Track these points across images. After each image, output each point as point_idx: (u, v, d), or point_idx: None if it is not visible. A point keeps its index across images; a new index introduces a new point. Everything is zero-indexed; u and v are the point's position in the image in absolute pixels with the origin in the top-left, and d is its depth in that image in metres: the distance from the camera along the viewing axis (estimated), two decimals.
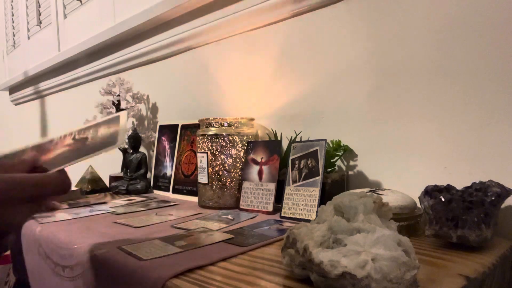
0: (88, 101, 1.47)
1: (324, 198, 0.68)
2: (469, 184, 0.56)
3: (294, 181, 0.74)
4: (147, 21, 1.20)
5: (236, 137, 0.86)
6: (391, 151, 0.74)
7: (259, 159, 0.82)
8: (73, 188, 1.09)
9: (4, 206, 0.31)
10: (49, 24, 1.91)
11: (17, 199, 0.32)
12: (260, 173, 0.81)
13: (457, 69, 0.65)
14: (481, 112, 0.63)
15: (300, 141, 0.79)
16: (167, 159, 1.09)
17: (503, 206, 0.54)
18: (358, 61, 0.78)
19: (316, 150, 0.72)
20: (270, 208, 0.77)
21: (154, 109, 1.33)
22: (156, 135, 1.16)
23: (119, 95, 1.23)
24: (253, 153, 0.84)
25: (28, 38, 2.14)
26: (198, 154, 0.88)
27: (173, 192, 1.04)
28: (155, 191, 1.12)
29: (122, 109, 1.24)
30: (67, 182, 0.36)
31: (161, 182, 1.10)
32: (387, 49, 0.74)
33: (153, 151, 1.21)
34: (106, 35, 1.38)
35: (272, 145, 0.82)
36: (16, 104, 2.49)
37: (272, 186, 0.78)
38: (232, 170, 0.85)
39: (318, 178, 0.70)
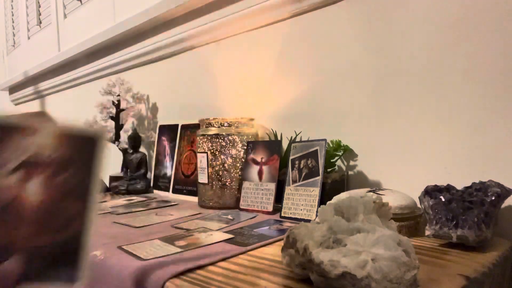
0: (88, 101, 1.46)
1: (324, 198, 0.68)
2: (469, 184, 0.56)
3: (294, 181, 0.74)
4: (147, 21, 1.20)
5: (236, 137, 0.86)
6: (391, 151, 0.74)
7: (259, 159, 0.82)
8: None
9: None
10: (49, 24, 1.91)
11: None
12: (260, 173, 0.81)
13: (457, 70, 0.65)
14: (482, 112, 0.63)
15: (300, 141, 0.79)
16: (167, 159, 1.09)
17: (503, 206, 0.54)
18: (358, 61, 0.78)
19: (316, 150, 0.72)
20: (270, 208, 0.77)
21: (154, 109, 1.33)
22: (156, 135, 1.16)
23: (119, 95, 1.23)
24: (253, 153, 0.84)
25: (28, 38, 2.14)
26: (198, 154, 0.88)
27: (173, 192, 1.04)
28: (155, 191, 1.12)
29: (123, 110, 1.24)
30: None
31: (161, 182, 1.10)
32: (387, 49, 0.74)
33: (153, 151, 1.21)
34: (106, 35, 1.38)
35: (272, 145, 0.82)
36: (16, 104, 2.49)
37: (272, 186, 0.78)
38: (232, 170, 0.85)
39: (318, 178, 0.70)
